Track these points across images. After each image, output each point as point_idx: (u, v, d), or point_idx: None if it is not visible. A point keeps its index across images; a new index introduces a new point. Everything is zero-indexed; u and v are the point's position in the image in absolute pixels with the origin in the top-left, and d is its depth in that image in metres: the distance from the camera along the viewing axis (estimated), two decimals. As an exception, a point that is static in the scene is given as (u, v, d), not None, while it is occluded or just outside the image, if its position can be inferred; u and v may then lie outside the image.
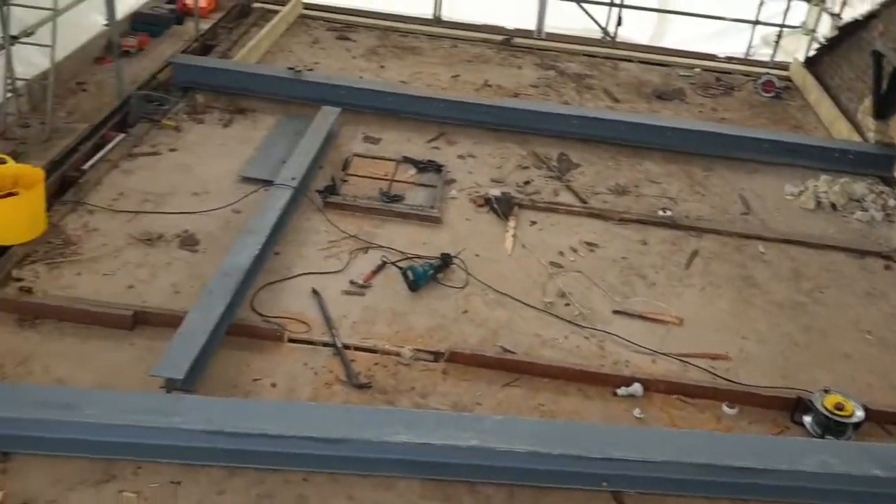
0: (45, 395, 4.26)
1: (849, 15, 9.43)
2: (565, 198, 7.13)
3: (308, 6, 10.60)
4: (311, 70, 8.66)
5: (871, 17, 8.76)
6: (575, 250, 6.42)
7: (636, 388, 5.11)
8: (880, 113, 8.17)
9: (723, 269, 6.47)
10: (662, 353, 5.48)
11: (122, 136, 7.27)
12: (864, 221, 7.32)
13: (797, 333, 5.84)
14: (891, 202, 7.57)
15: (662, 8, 11.20)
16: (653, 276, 6.27)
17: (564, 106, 8.65)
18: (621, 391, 5.10)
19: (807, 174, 7.89)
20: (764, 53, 10.84)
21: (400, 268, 5.86)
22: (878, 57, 8.13)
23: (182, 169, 6.96)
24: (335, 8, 10.70)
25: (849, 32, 9.28)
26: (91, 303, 5.21)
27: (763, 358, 5.56)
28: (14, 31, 7.22)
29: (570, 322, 5.63)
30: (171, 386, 4.50)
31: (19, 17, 7.31)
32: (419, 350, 5.24)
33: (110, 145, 7.11)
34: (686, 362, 5.45)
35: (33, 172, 5.81)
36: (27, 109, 8.53)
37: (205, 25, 10.11)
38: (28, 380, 4.69)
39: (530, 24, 10.89)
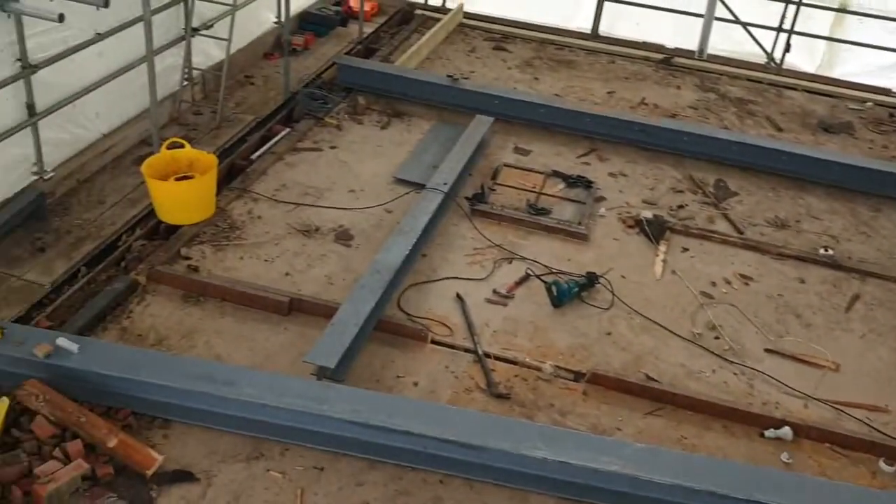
0: (208, 369, 4.51)
1: None
2: (720, 226, 6.89)
3: (468, 15, 10.75)
4: (466, 78, 8.77)
5: None
6: (728, 282, 6.19)
7: (786, 431, 4.87)
8: None
9: (887, 317, 6.07)
10: (816, 399, 5.20)
11: (287, 130, 7.62)
12: None
13: (970, 395, 5.40)
14: None
15: (834, 37, 10.63)
16: (809, 317, 5.96)
17: (724, 131, 8.36)
18: (769, 433, 4.88)
19: None
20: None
21: (545, 282, 5.84)
22: None
23: (341, 166, 7.22)
24: (494, 18, 10.80)
25: None
26: (251, 286, 5.49)
27: (929, 417, 5.18)
28: (195, 24, 7.74)
29: (718, 356, 5.44)
30: (321, 373, 4.66)
31: (199, 12, 7.84)
32: (560, 367, 5.20)
33: (276, 138, 7.46)
34: (841, 411, 5.15)
35: (208, 158, 6.18)
36: (200, 98, 9.07)
37: (368, 29, 10.48)
38: (191, 353, 5.00)
39: (692, 45, 10.61)
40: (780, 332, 5.75)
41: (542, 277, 5.95)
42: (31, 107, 6.39)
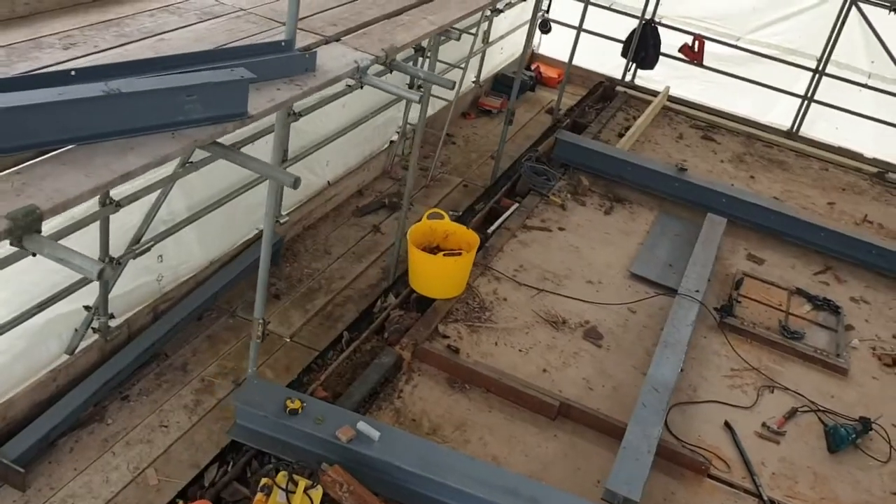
0: (512, 483, 4.23)
1: None
2: None
3: (671, 98, 10.50)
4: (685, 169, 8.48)
5: None
6: None
7: None
8: None
9: None
10: None
11: (515, 205, 7.43)
12: None
13: None
14: None
15: None
16: None
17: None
18: None
19: None
20: None
21: (824, 424, 5.44)
22: None
23: (572, 251, 6.98)
24: (696, 104, 10.53)
25: None
26: (519, 382, 5.24)
27: None
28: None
29: None
30: (614, 499, 4.36)
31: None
32: (851, 527, 4.79)
33: (507, 213, 7.28)
34: None
35: (469, 235, 6.00)
36: (408, 153, 9.04)
37: (567, 100, 10.35)
38: (467, 449, 4.76)
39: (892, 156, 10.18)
40: None
41: (820, 417, 5.54)
42: (284, 152, 6.38)
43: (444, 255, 5.68)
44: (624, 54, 11.31)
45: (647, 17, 10.57)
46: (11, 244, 2.51)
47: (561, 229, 7.27)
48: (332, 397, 4.84)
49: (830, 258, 7.59)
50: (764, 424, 5.42)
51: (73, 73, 3.20)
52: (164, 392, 5.26)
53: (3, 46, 3.48)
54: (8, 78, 3.07)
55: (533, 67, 11.54)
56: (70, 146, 2.95)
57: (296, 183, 3.48)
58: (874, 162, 9.96)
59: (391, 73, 5.32)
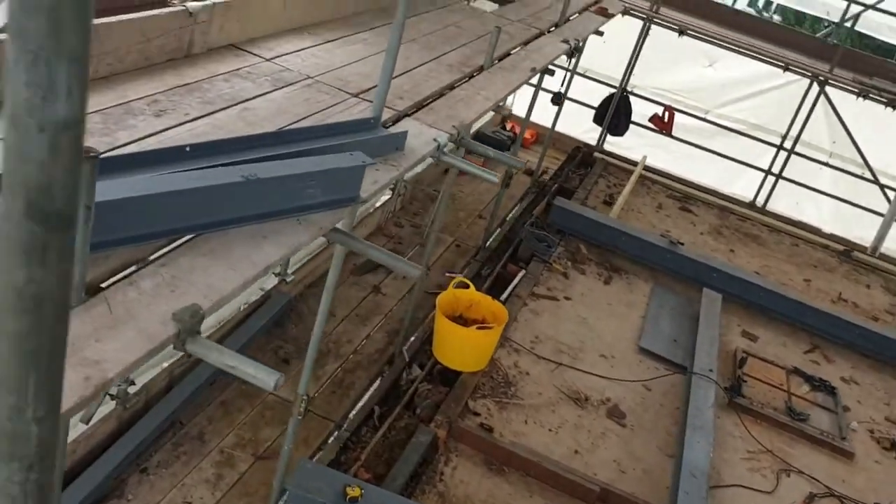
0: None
1: None
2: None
3: (646, 167, 10.77)
4: (681, 243, 8.64)
5: None
6: None
7: None
8: None
9: None
10: None
11: (522, 272, 7.41)
12: None
13: None
14: None
15: None
16: None
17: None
18: None
19: None
20: None
21: (848, 511, 5.55)
22: None
23: (581, 323, 6.98)
24: (671, 175, 10.83)
25: None
26: (559, 466, 5.15)
27: None
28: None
29: None
30: None
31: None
32: None
33: (516, 281, 7.24)
34: None
35: (496, 307, 5.92)
36: (398, 209, 8.94)
37: (529, 156, 10.49)
38: (516, 539, 4.63)
39: (847, 233, 10.75)
40: None
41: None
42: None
43: (477, 327, 5.57)
44: (596, 120, 11.58)
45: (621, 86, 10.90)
46: (175, 348, 2.29)
47: (567, 298, 7.28)
48: (374, 478, 4.63)
49: (816, 337, 7.84)
50: (788, 510, 5.49)
51: (187, 149, 3.00)
52: (184, 465, 4.94)
53: (97, 111, 3.24)
54: (129, 155, 2.85)
55: (509, 127, 11.67)
56: (203, 232, 2.74)
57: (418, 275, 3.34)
58: (832, 237, 10.44)
59: (458, 149, 5.25)
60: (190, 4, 3.87)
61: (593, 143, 11.41)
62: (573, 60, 7.67)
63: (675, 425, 5.97)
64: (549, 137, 10.38)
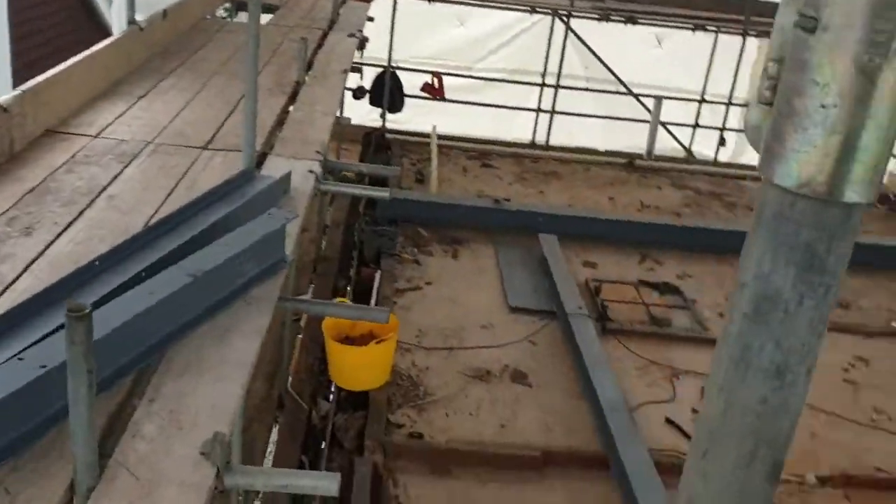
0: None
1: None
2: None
3: (439, 136, 11.00)
4: (508, 199, 8.95)
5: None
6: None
7: None
8: None
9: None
10: None
11: (378, 272, 7.33)
12: None
13: None
14: None
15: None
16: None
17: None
18: None
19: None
20: None
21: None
22: None
23: (451, 303, 7.08)
24: (464, 137, 11.17)
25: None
26: (498, 446, 5.23)
27: None
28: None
29: None
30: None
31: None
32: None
33: (376, 283, 7.15)
34: None
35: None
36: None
37: (348, 156, 10.38)
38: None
39: (620, 145, 11.88)
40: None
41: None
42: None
43: (376, 342, 5.45)
44: (373, 102, 11.63)
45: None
46: (218, 489, 2.03)
47: (428, 283, 7.33)
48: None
49: (641, 246, 8.54)
50: (694, 410, 5.99)
51: (97, 262, 2.63)
52: None
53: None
54: (45, 291, 2.44)
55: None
56: (165, 350, 2.44)
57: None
58: (611, 153, 11.39)
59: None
60: (2, 100, 3.35)
61: (377, 125, 11.45)
62: (362, 52, 7.61)
63: (570, 369, 6.27)
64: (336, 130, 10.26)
